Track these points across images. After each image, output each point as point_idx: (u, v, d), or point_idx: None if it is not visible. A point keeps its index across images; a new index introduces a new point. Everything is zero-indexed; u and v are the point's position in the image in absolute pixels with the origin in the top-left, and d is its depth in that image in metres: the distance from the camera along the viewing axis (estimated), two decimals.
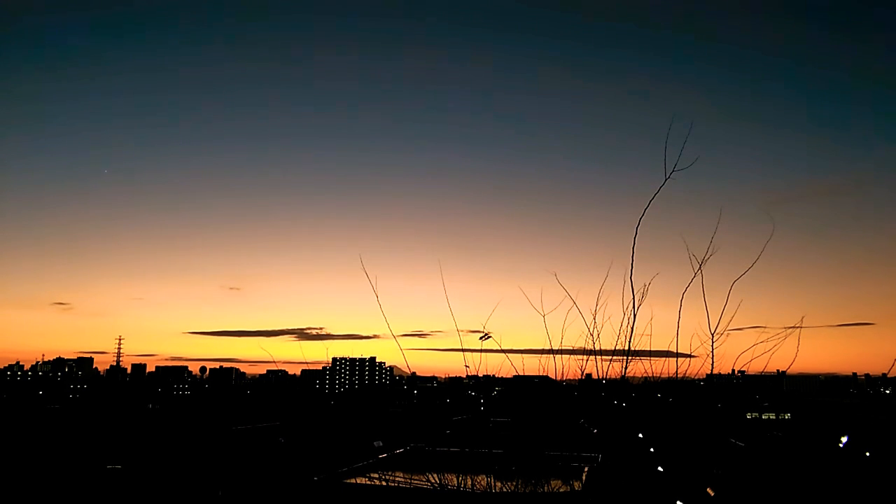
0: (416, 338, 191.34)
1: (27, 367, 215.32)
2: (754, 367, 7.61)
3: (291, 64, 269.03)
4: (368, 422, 77.84)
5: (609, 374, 8.31)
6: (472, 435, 13.52)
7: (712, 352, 7.24)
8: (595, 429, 16.24)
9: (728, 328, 7.21)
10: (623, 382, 8.29)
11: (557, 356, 8.53)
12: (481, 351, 8.49)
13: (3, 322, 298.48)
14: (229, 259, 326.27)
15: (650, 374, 8.71)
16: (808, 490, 39.02)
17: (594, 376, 8.72)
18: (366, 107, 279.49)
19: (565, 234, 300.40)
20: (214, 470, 42.55)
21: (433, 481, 8.58)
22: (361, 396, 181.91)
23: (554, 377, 8.70)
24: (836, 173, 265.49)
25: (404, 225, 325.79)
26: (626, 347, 7.77)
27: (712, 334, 7.20)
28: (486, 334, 8.32)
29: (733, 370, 8.42)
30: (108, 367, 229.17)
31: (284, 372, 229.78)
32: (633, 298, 7.52)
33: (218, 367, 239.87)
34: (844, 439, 66.60)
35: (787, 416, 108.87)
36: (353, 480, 29.45)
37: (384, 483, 18.08)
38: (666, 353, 8.18)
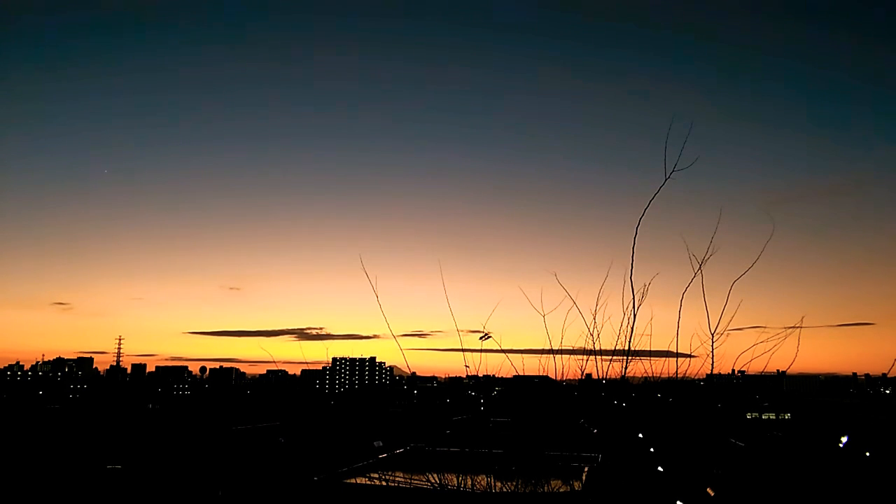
0: (416, 338, 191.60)
1: (27, 367, 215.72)
2: (754, 367, 7.63)
3: (291, 64, 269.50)
4: (368, 422, 77.85)
5: (609, 374, 8.32)
6: (472, 435, 13.52)
7: (712, 352, 7.25)
8: (595, 429, 16.24)
9: (728, 328, 7.22)
10: (623, 382, 8.29)
11: (557, 356, 8.54)
12: (481, 351, 8.50)
13: (3, 322, 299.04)
14: (229, 259, 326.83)
15: (650, 374, 8.72)
16: (808, 490, 39.02)
17: (594, 376, 8.72)
18: (366, 107, 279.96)
19: (565, 234, 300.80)
20: (214, 470, 42.55)
21: (433, 481, 8.58)
22: (361, 396, 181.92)
23: (554, 377, 8.70)
24: (836, 173, 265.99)
25: (404, 225, 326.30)
26: (626, 347, 7.78)
27: (712, 334, 7.21)
28: (486, 334, 8.32)
29: (733, 370, 8.43)
30: (108, 367, 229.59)
31: (284, 372, 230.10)
32: (633, 298, 7.52)
33: (218, 367, 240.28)
34: (844, 439, 66.60)
35: (787, 416, 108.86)
36: (353, 480, 29.45)
37: (384, 483, 18.07)
38: (666, 353, 8.18)
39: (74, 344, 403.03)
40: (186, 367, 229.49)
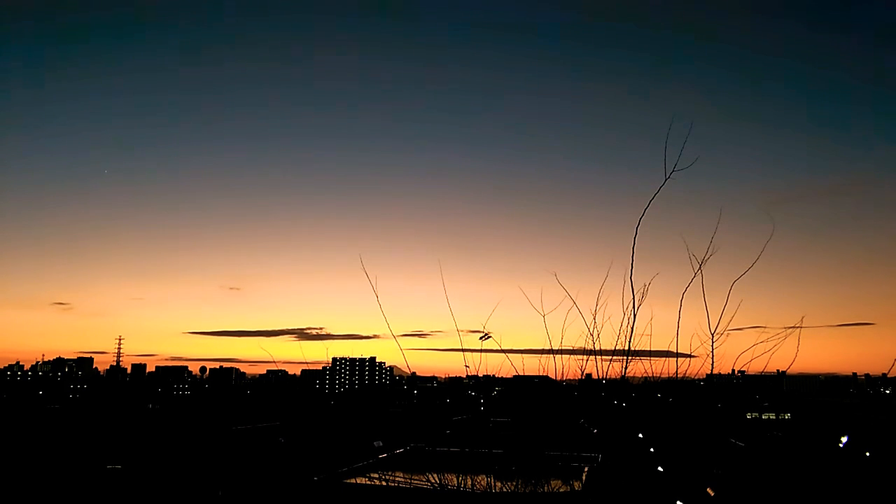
0: (416, 338, 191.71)
1: (27, 367, 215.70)
2: (754, 367, 7.63)
3: (291, 64, 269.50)
4: (368, 422, 77.86)
5: (609, 374, 8.32)
6: (472, 435, 13.53)
7: (712, 352, 7.25)
8: (595, 429, 16.25)
9: (728, 328, 7.23)
10: (623, 382, 8.29)
11: (557, 356, 8.55)
12: (481, 351, 8.51)
13: (3, 322, 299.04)
14: (229, 259, 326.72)
15: (650, 374, 8.73)
16: (808, 490, 39.02)
17: (594, 376, 8.72)
18: (366, 107, 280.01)
19: (565, 234, 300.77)
20: (214, 470, 42.55)
21: (433, 481, 8.59)
22: (361, 396, 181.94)
23: (554, 377, 8.70)
24: (836, 173, 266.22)
25: (404, 225, 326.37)
26: (626, 347, 7.78)
27: (712, 334, 7.21)
28: (486, 334, 8.33)
29: (733, 370, 8.43)
30: (108, 367, 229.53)
31: (284, 372, 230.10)
32: (633, 298, 7.53)
33: (218, 367, 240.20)
34: (844, 439, 66.60)
35: (787, 416, 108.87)
36: (353, 480, 29.46)
37: (384, 483, 18.08)
38: (666, 353, 8.19)
39: (74, 344, 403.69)
40: (186, 367, 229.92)
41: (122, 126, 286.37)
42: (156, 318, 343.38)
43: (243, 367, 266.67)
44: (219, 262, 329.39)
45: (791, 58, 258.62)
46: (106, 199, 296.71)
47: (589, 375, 8.80)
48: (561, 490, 10.12)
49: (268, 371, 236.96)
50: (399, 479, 14.78)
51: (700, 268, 7.31)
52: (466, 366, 8.66)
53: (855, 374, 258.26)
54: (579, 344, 8.25)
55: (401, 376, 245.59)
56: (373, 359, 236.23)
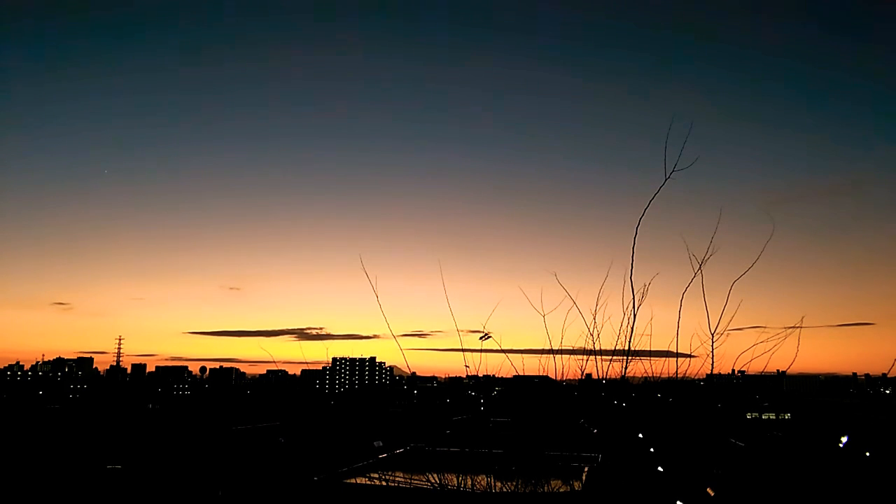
0: (416, 338, 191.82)
1: (27, 367, 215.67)
2: (754, 367, 7.65)
3: (291, 64, 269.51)
4: (368, 422, 77.85)
5: (609, 374, 8.33)
6: (472, 435, 13.53)
7: (712, 352, 7.26)
8: (595, 429, 16.26)
9: (728, 328, 7.24)
10: (623, 382, 8.29)
11: (557, 356, 8.56)
12: (481, 351, 8.52)
13: (3, 322, 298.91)
14: (229, 259, 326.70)
15: (650, 374, 8.74)
16: (808, 490, 39.02)
17: (594, 376, 8.73)
18: (366, 107, 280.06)
19: (565, 234, 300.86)
20: (214, 470, 42.55)
21: (433, 481, 8.59)
22: (361, 396, 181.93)
23: (554, 377, 8.71)
24: (836, 173, 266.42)
25: (404, 225, 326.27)
26: (626, 347, 7.79)
27: (712, 334, 7.22)
28: (486, 334, 8.33)
29: (733, 370, 8.44)
30: (108, 367, 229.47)
31: (284, 372, 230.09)
32: (633, 298, 7.54)
33: (218, 367, 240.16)
34: (844, 439, 66.60)
35: (787, 416, 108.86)
36: (353, 480, 29.47)
37: (384, 483, 18.08)
38: (666, 353, 8.19)
39: (74, 344, 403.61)
40: (186, 367, 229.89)
41: (122, 126, 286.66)
42: (156, 318, 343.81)
43: (243, 367, 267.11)
44: (219, 262, 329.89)
45: (791, 58, 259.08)
46: (106, 199, 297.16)
47: (589, 375, 8.81)
48: (561, 490, 10.12)
49: (268, 371, 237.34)
50: (399, 479, 14.78)
51: (700, 268, 7.33)
52: (466, 366, 8.67)
53: (855, 374, 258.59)
54: (579, 344, 8.27)
55: (401, 376, 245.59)
56: (373, 359, 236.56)
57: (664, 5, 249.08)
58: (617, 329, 7.78)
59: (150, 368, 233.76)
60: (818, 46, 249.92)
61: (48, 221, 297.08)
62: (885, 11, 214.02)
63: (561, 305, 8.00)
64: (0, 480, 38.55)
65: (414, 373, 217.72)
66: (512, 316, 10.06)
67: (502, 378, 9.73)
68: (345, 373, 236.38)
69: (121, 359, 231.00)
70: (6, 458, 46.60)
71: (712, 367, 7.37)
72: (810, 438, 72.71)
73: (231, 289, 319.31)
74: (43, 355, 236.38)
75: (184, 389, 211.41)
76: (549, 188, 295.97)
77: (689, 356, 7.82)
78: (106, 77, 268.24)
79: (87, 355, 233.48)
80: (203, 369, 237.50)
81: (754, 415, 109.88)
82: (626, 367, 7.99)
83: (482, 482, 8.56)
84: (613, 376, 8.29)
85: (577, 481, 14.18)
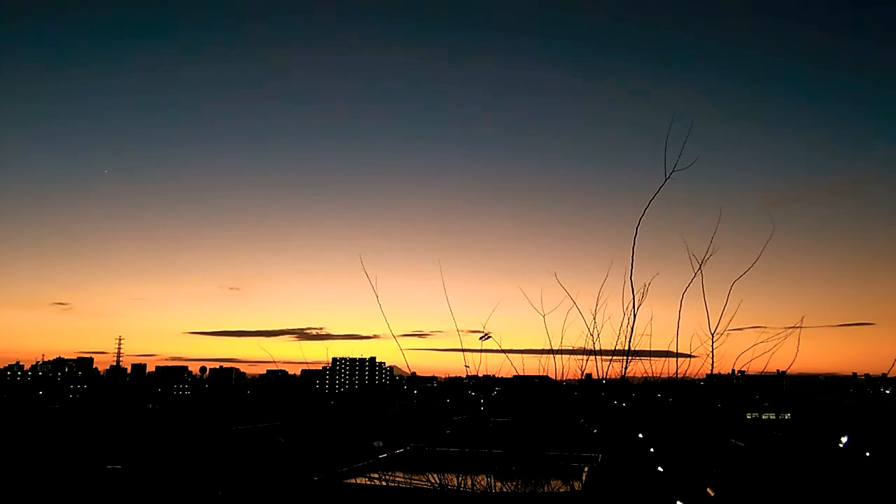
0: (416, 338, 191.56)
1: (27, 367, 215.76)
2: (754, 367, 7.62)
3: (291, 64, 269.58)
4: (368, 422, 77.85)
5: (609, 374, 8.32)
6: (472, 435, 13.53)
7: (712, 352, 7.25)
8: (595, 429, 16.25)
9: (728, 328, 7.22)
10: (623, 382, 8.29)
11: (557, 356, 8.54)
12: (481, 351, 8.50)
13: (3, 322, 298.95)
14: (229, 259, 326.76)
15: (650, 374, 8.72)
16: (808, 490, 39.02)
17: (594, 376, 8.72)
18: (366, 107, 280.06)
19: (565, 234, 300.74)
20: (214, 470, 42.55)
21: (433, 481, 8.58)
22: (361, 396, 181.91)
23: (554, 377, 8.70)
24: (836, 173, 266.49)
25: (404, 225, 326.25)
26: (626, 347, 7.78)
27: (712, 334, 7.21)
28: (486, 334, 8.32)
29: (733, 370, 8.42)
30: (108, 367, 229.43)
31: (284, 372, 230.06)
32: (633, 298, 7.52)
33: (218, 367, 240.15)
34: (844, 439, 66.60)
35: (787, 416, 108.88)
36: (353, 480, 29.47)
37: (384, 483, 18.07)
38: (666, 353, 8.18)
39: (74, 344, 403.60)
40: (186, 367, 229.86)
41: (122, 126, 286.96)
42: (156, 318, 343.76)
43: (243, 367, 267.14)
44: (219, 262, 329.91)
45: (791, 58, 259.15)
46: (106, 199, 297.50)
47: (589, 375, 8.80)
48: (561, 490, 10.12)
49: (268, 371, 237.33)
50: (399, 479, 14.78)
51: (700, 268, 7.31)
52: (466, 366, 8.66)
53: (855, 374, 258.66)
54: (579, 344, 8.26)
55: (401, 376, 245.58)
56: (373, 359, 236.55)
57: (664, 5, 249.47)
58: (617, 329, 7.77)
59: (150, 368, 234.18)
60: (818, 46, 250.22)
61: (48, 221, 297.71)
62: (885, 11, 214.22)
63: (561, 305, 7.99)
64: (0, 480, 38.56)
65: (414, 373, 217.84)
66: (512, 316, 10.06)
67: (502, 378, 9.73)
68: (345, 373, 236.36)
69: (121, 359, 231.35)
70: (6, 458, 46.60)
71: (712, 367, 7.37)
72: (810, 438, 72.71)
73: (231, 289, 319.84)
74: (43, 355, 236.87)
75: (184, 389, 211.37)
76: (549, 188, 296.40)
77: (689, 356, 7.82)
78: (106, 77, 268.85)
79: (87, 355, 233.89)
80: (203, 369, 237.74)
81: (754, 415, 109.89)
82: (626, 368, 7.99)
83: (482, 482, 8.55)
84: (613, 376, 8.28)
85: (577, 481, 14.17)
